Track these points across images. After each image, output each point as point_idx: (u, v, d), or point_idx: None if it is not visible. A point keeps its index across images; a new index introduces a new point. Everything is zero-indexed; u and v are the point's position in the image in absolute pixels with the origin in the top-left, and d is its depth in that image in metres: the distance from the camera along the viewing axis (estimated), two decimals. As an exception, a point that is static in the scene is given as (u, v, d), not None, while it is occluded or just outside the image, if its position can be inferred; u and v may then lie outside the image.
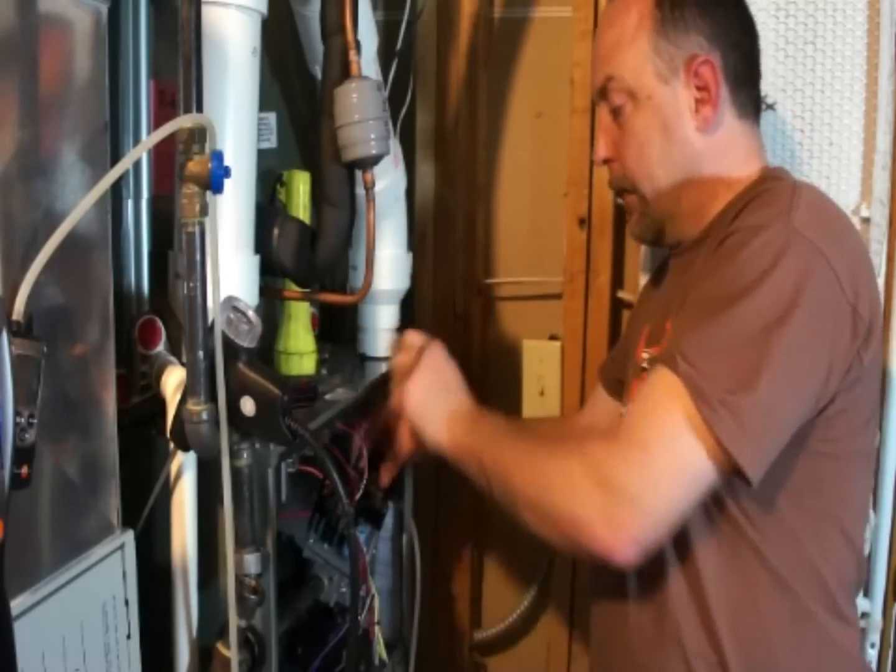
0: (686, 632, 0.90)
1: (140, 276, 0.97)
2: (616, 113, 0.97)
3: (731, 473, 0.80)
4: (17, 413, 0.61)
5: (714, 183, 0.95)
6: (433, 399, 1.00)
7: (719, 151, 0.95)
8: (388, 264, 1.23)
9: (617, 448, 0.82)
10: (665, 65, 0.93)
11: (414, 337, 1.08)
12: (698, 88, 0.93)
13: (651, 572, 0.91)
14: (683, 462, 0.79)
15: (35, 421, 0.64)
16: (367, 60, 1.02)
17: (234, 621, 0.83)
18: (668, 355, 0.82)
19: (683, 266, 0.99)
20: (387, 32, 1.35)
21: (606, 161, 1.02)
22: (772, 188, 0.90)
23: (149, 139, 0.74)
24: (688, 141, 0.94)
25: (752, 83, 0.98)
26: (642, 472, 0.79)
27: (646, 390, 0.84)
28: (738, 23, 0.97)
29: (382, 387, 1.10)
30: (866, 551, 1.31)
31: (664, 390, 0.81)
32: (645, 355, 1.00)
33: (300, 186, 1.11)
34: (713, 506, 0.87)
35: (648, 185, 0.97)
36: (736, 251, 0.84)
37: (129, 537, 0.84)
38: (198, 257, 0.75)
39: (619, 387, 1.12)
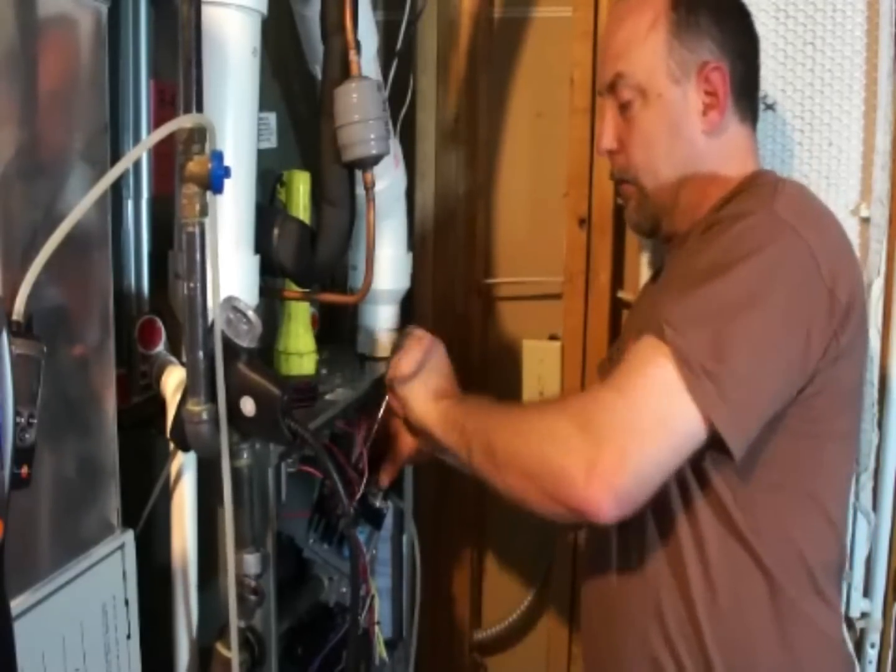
0: (666, 605, 0.92)
1: (140, 276, 0.96)
2: (624, 108, 1.00)
3: (713, 443, 0.81)
4: (17, 413, 0.61)
5: (710, 182, 0.98)
6: (421, 375, 1.03)
7: (720, 153, 0.98)
8: (388, 264, 1.23)
9: (601, 396, 0.84)
10: (677, 66, 0.96)
11: (418, 331, 1.10)
12: (707, 93, 0.96)
13: (633, 544, 0.94)
14: (666, 417, 0.81)
15: (35, 421, 0.64)
16: (367, 60, 1.02)
17: (234, 621, 0.83)
18: (656, 325, 0.83)
19: (675, 261, 1.02)
20: (387, 32, 1.35)
21: (610, 152, 1.04)
22: (756, 183, 0.95)
23: (149, 139, 0.74)
24: (693, 141, 0.98)
25: (753, 92, 1.02)
26: (625, 419, 0.80)
27: (632, 351, 0.85)
28: (746, 34, 1.01)
29: (382, 387, 1.10)
30: (865, 550, 1.31)
31: (651, 352, 0.83)
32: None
33: (300, 186, 1.11)
34: (695, 480, 0.89)
35: (651, 179, 1.00)
36: (720, 233, 0.87)
37: (129, 537, 0.84)
38: (198, 257, 0.75)
39: None
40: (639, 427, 0.80)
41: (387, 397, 1.09)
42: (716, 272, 0.83)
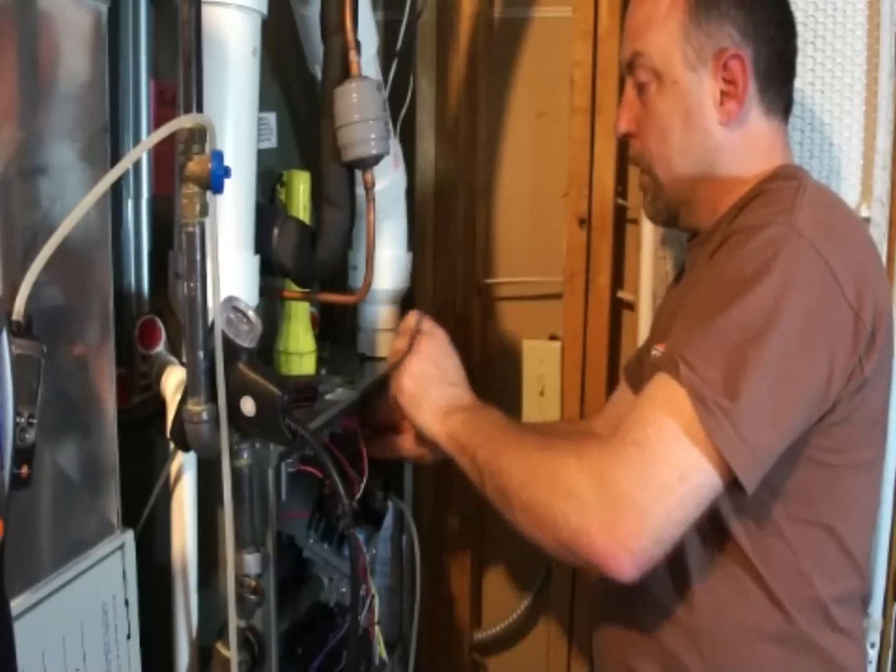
0: (670, 633, 0.90)
1: (140, 276, 0.96)
2: (641, 89, 0.96)
3: (729, 482, 0.77)
4: (17, 413, 0.61)
5: (730, 178, 0.94)
6: (428, 389, 0.97)
7: (740, 148, 0.94)
8: (388, 264, 1.23)
9: (618, 450, 0.78)
10: (694, 52, 0.92)
11: (416, 319, 1.04)
12: (725, 81, 0.92)
13: None
14: (686, 471, 0.76)
15: (35, 421, 0.64)
16: (367, 60, 1.02)
17: (233, 621, 0.83)
18: (670, 360, 0.80)
19: (694, 262, 0.98)
20: (387, 32, 1.35)
21: (626, 135, 1.00)
22: (777, 187, 0.89)
23: (149, 139, 0.74)
24: (708, 133, 0.93)
25: (783, 82, 0.96)
26: (644, 476, 0.76)
27: (646, 396, 0.81)
28: (776, 18, 0.94)
29: (382, 386, 1.10)
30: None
31: (665, 397, 0.79)
32: (654, 352, 0.99)
33: (300, 186, 1.11)
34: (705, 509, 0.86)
35: (665, 171, 0.96)
36: (733, 252, 0.82)
37: (129, 537, 0.84)
38: (198, 257, 0.75)
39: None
40: (659, 485, 0.75)
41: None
42: (729, 299, 0.79)
